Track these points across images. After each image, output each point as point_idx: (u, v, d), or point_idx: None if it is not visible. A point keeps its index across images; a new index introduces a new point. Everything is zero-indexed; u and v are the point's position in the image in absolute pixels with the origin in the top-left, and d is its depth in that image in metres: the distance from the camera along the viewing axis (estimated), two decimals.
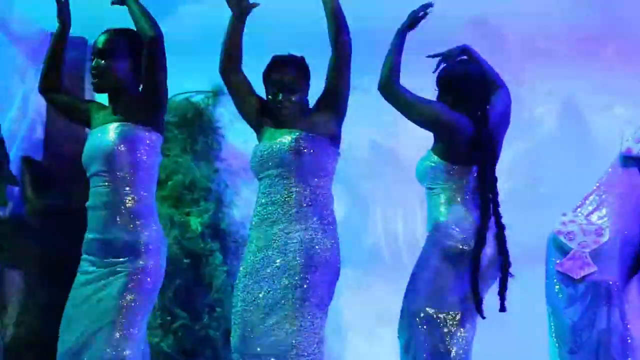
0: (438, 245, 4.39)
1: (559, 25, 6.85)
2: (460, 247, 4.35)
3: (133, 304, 3.97)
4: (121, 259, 4.00)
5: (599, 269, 4.63)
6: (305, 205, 4.23)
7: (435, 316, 4.31)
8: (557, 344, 4.61)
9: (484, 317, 4.35)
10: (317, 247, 4.20)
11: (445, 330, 4.31)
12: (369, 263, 6.56)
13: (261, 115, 4.40)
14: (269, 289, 4.17)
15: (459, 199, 4.42)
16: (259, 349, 4.14)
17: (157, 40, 4.01)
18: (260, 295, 4.18)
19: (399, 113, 4.39)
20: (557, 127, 6.99)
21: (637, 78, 6.41)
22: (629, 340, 4.35)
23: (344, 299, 5.84)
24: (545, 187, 6.62)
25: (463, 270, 4.33)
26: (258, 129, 4.43)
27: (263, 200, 4.29)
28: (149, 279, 4.02)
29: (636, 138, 5.13)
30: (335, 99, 4.34)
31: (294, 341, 4.09)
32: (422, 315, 4.31)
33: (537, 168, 6.78)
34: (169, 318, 6.63)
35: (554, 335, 4.63)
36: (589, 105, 6.98)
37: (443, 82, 4.53)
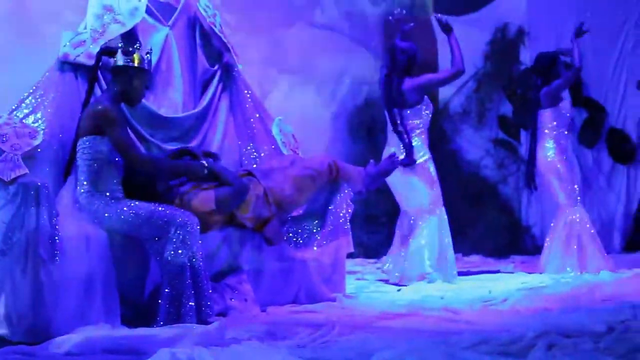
0: None
1: None
2: None
3: None
4: None
5: (31, 171, 4.66)
6: None
7: None
8: None
9: None
10: None
11: None
12: None
13: None
14: None
15: None
16: None
17: None
18: None
19: None
20: (4, 32, 6.82)
21: None
22: (57, 240, 4.44)
23: None
24: None
25: None
26: None
27: None
28: None
29: (73, 43, 5.21)
30: None
31: None
32: None
33: None
34: None
35: None
36: (40, 11, 6.91)
37: None
